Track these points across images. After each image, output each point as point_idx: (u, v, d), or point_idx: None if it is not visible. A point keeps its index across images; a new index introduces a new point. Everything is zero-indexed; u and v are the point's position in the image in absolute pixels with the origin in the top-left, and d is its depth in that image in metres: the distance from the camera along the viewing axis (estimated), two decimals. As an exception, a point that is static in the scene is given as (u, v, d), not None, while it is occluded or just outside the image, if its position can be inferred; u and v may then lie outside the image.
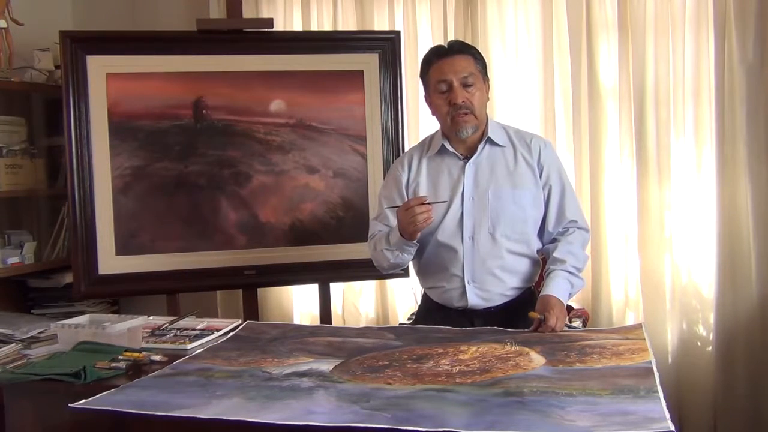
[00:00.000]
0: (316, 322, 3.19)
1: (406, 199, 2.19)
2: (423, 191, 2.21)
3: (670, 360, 3.09)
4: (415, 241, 2.13)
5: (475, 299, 2.17)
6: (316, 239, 3.03)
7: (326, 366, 1.70)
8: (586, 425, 1.27)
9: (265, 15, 3.34)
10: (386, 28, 3.29)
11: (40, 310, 3.09)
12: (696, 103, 3.04)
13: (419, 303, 2.44)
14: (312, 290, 3.27)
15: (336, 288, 3.30)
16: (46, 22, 3.25)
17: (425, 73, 2.22)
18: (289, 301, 3.44)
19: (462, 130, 2.16)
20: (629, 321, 3.12)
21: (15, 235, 3.08)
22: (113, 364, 1.74)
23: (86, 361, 1.74)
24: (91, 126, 2.87)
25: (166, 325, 2.19)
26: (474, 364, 1.68)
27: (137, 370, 1.74)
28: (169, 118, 2.94)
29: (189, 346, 1.96)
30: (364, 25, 3.33)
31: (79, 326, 1.94)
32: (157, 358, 1.81)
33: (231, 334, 2.10)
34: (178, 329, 2.16)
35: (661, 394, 1.40)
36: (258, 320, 2.84)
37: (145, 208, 2.93)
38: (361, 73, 3.04)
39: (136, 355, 1.80)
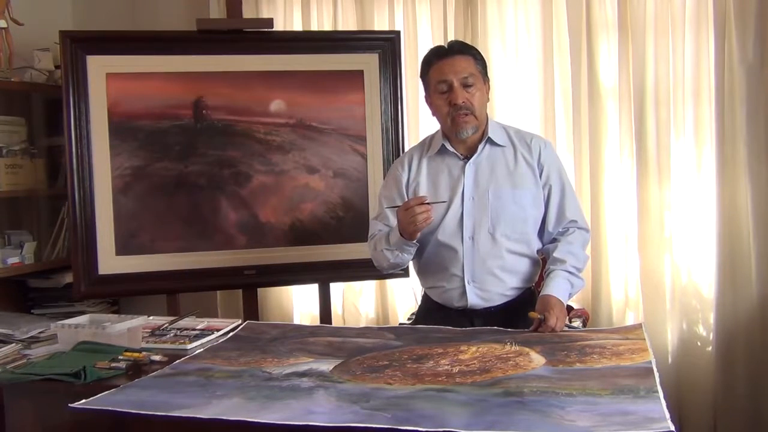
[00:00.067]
0: (316, 322, 3.19)
1: (406, 199, 2.19)
2: (423, 191, 2.21)
3: (670, 360, 3.09)
4: (414, 241, 2.13)
5: (475, 299, 2.17)
6: (316, 239, 3.03)
7: (326, 366, 1.70)
8: (586, 425, 1.27)
9: (265, 15, 3.34)
10: (386, 28, 3.29)
11: (40, 310, 3.09)
12: (696, 103, 3.04)
13: (419, 303, 2.44)
14: (312, 290, 3.27)
15: (336, 288, 3.30)
16: (46, 22, 3.25)
17: (425, 73, 2.22)
18: (289, 301, 3.44)
19: (462, 131, 2.16)
20: (629, 321, 3.12)
21: (15, 235, 3.08)
22: (113, 364, 1.74)
23: (86, 361, 1.74)
24: (91, 126, 2.87)
25: (166, 325, 2.19)
26: (474, 364, 1.68)
27: (137, 370, 1.74)
28: (169, 118, 2.94)
29: (189, 346, 1.96)
30: (364, 25, 3.33)
31: (79, 326, 1.94)
32: (157, 358, 1.81)
33: (231, 334, 2.10)
34: (178, 329, 2.16)
35: (661, 394, 1.40)
36: (258, 320, 2.84)
37: (145, 208, 2.93)
38: (361, 73, 3.04)
39: (136, 355, 1.80)
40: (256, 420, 1.36)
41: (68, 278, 3.04)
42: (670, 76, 3.04)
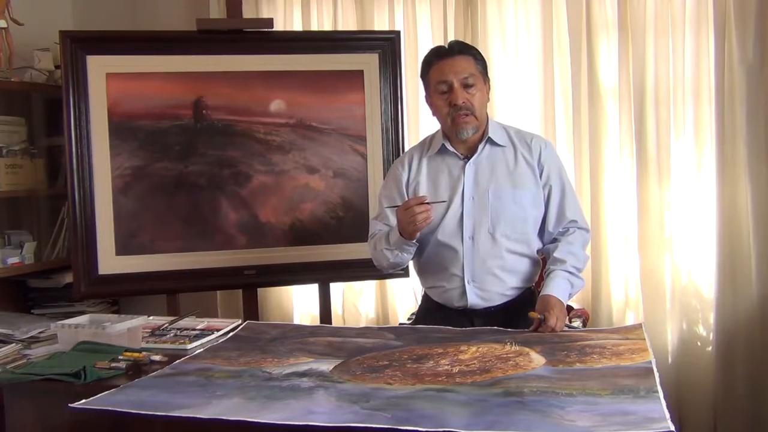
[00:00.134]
0: (316, 322, 3.19)
1: (407, 199, 2.19)
2: (423, 191, 2.21)
3: (670, 360, 3.09)
4: (414, 241, 2.13)
5: (475, 299, 2.17)
6: (316, 239, 3.03)
7: (326, 366, 1.70)
8: (586, 425, 1.27)
9: (265, 15, 3.34)
10: (386, 28, 3.29)
11: (40, 310, 3.09)
12: (696, 103, 3.04)
13: (419, 303, 2.44)
14: (312, 290, 3.27)
15: (336, 288, 3.30)
16: (46, 22, 3.25)
17: (425, 73, 2.21)
18: (289, 301, 3.44)
19: (462, 131, 2.16)
20: (629, 321, 3.12)
21: (15, 235, 3.08)
22: (113, 364, 1.74)
23: (86, 361, 1.74)
24: (91, 126, 2.87)
25: (166, 325, 2.19)
26: (474, 364, 1.68)
27: (137, 370, 1.74)
28: (169, 118, 2.94)
29: (189, 346, 1.96)
30: (364, 25, 3.33)
31: (79, 326, 1.94)
32: (157, 358, 1.81)
33: (231, 334, 2.10)
34: (178, 329, 2.16)
35: (661, 394, 1.40)
36: (258, 320, 2.84)
37: (145, 208, 2.93)
38: (361, 73, 3.04)
39: (136, 355, 1.80)
40: (256, 420, 1.36)
41: (68, 278, 3.04)
42: (670, 76, 3.04)
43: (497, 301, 2.19)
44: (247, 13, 3.25)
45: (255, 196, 3.00)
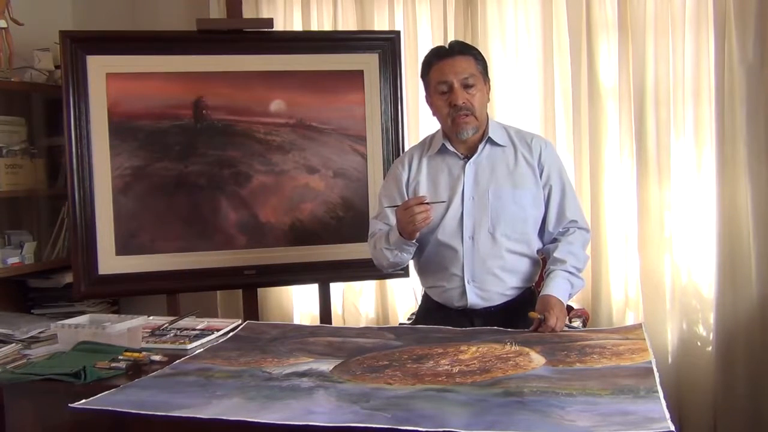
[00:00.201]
0: (316, 322, 3.19)
1: (407, 198, 2.19)
2: (423, 190, 2.21)
3: (670, 360, 3.09)
4: (414, 241, 2.13)
5: (474, 299, 2.17)
6: (316, 239, 3.03)
7: (326, 366, 1.70)
8: (586, 425, 1.27)
9: (265, 15, 3.34)
10: (386, 28, 3.29)
11: (40, 310, 3.09)
12: (696, 103, 3.04)
13: (419, 303, 2.44)
14: (312, 290, 3.27)
15: (336, 288, 3.30)
16: (46, 22, 3.25)
17: (426, 73, 2.21)
18: (289, 301, 3.44)
19: (462, 132, 2.16)
20: (629, 321, 3.12)
21: (15, 235, 3.08)
22: (113, 364, 1.74)
23: (86, 361, 1.74)
24: (91, 126, 2.87)
25: (166, 325, 2.19)
26: (474, 364, 1.68)
27: (137, 370, 1.74)
28: (169, 118, 2.94)
29: (189, 346, 1.96)
30: (364, 25, 3.33)
31: (79, 326, 1.94)
32: (157, 358, 1.81)
33: (231, 334, 2.10)
34: (178, 329, 2.16)
35: (661, 394, 1.40)
36: (258, 320, 2.84)
37: (145, 208, 2.93)
38: (361, 73, 3.04)
39: (136, 355, 1.80)
40: (256, 420, 1.36)
41: (68, 278, 3.04)
42: (670, 76, 3.04)
43: (497, 301, 2.19)
44: (247, 13, 3.25)
45: (255, 196, 3.00)
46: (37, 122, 3.25)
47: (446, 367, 1.65)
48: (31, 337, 2.18)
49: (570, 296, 2.15)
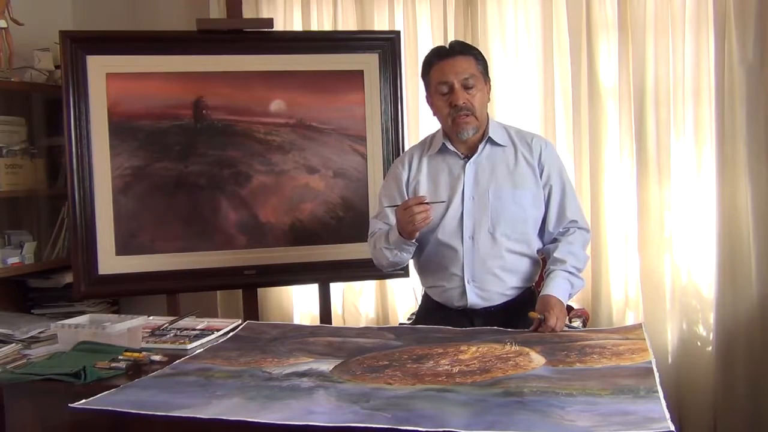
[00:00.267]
0: (316, 322, 3.19)
1: (407, 198, 2.19)
2: (423, 190, 2.21)
3: (670, 360, 3.09)
4: (413, 241, 2.13)
5: (474, 299, 2.17)
6: (316, 239, 3.03)
7: (326, 366, 1.70)
8: (586, 425, 1.27)
9: (265, 15, 3.34)
10: (386, 28, 3.29)
11: (40, 310, 3.08)
12: (696, 103, 3.04)
13: (419, 303, 2.44)
14: (312, 290, 3.27)
15: (336, 288, 3.30)
16: (46, 22, 3.25)
17: (426, 73, 2.21)
18: (289, 301, 3.44)
19: (463, 132, 2.16)
20: (629, 321, 3.12)
21: (15, 235, 3.08)
22: (113, 364, 1.74)
23: (86, 361, 1.74)
24: (91, 126, 2.87)
25: (166, 325, 2.19)
26: (474, 364, 1.68)
27: (137, 370, 1.74)
28: (169, 118, 2.94)
29: (189, 346, 1.96)
30: (364, 25, 3.33)
31: (79, 326, 1.94)
32: (157, 358, 1.81)
33: (231, 334, 2.10)
34: (178, 329, 2.16)
35: (661, 394, 1.40)
36: (258, 320, 2.84)
37: (145, 208, 2.93)
38: (361, 73, 3.04)
39: (136, 355, 1.80)
40: (256, 420, 1.36)
41: (68, 278, 3.04)
42: (670, 76, 3.04)
43: (497, 300, 2.19)
44: (247, 13, 3.25)
45: (255, 196, 3.00)
46: (37, 122, 3.25)
47: (446, 367, 1.65)
48: (31, 337, 2.18)
49: (570, 296, 2.16)
